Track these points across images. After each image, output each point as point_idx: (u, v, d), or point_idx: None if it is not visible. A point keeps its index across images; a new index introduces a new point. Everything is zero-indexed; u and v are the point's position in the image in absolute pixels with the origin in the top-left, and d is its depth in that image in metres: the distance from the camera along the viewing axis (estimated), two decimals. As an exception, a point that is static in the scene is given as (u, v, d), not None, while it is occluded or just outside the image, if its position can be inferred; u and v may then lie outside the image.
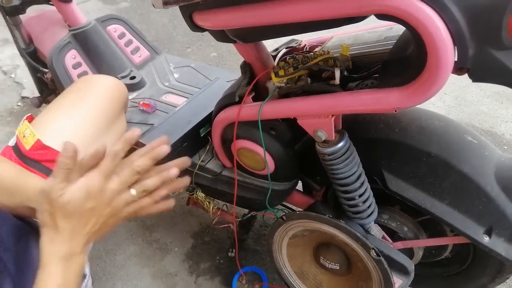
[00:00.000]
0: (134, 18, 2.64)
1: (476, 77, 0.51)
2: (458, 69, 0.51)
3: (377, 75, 0.66)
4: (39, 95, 1.55)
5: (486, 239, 0.70)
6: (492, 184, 0.68)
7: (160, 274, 1.22)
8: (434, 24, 0.47)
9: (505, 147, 1.43)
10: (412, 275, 0.78)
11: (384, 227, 0.83)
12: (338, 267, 0.79)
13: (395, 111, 0.60)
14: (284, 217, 0.78)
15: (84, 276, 0.71)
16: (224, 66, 2.05)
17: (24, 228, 0.61)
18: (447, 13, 0.46)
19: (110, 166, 0.53)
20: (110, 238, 1.32)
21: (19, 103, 2.04)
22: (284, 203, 0.99)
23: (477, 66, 0.50)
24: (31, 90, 2.09)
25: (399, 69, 0.57)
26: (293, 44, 0.90)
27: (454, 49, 0.49)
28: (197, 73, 1.23)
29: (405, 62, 0.57)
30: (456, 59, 0.49)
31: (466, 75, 0.52)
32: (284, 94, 0.73)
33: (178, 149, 0.94)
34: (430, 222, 0.82)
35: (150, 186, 0.56)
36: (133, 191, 0.55)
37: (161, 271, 1.23)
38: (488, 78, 0.51)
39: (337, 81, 0.64)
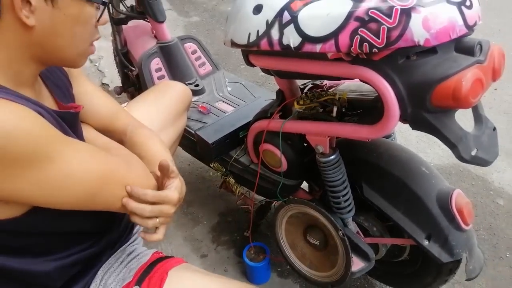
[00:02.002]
0: (202, 32, 3.06)
1: (414, 127, 0.81)
2: (403, 119, 0.81)
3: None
4: (120, 85, 1.97)
5: (426, 242, 0.97)
6: (433, 203, 0.96)
7: (190, 238, 1.56)
8: (388, 91, 0.77)
9: (491, 193, 1.66)
10: (373, 262, 1.07)
11: (359, 226, 1.12)
12: (318, 243, 1.09)
13: (368, 140, 0.91)
14: (286, 201, 1.10)
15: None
16: (268, 83, 2.40)
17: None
18: (395, 85, 0.77)
19: None
20: (157, 205, 1.68)
21: (99, 88, 2.50)
22: (291, 197, 1.31)
23: (414, 120, 0.79)
24: (110, 78, 2.53)
25: (371, 114, 0.88)
26: (317, 82, 1.22)
27: (400, 107, 0.79)
28: (245, 89, 1.58)
29: (375, 110, 0.88)
30: (400, 114, 0.80)
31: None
32: (301, 117, 1.05)
33: (222, 143, 1.29)
34: (394, 228, 1.11)
35: None
36: None
37: (190, 236, 1.57)
38: (421, 129, 0.80)
39: (334, 114, 0.96)
